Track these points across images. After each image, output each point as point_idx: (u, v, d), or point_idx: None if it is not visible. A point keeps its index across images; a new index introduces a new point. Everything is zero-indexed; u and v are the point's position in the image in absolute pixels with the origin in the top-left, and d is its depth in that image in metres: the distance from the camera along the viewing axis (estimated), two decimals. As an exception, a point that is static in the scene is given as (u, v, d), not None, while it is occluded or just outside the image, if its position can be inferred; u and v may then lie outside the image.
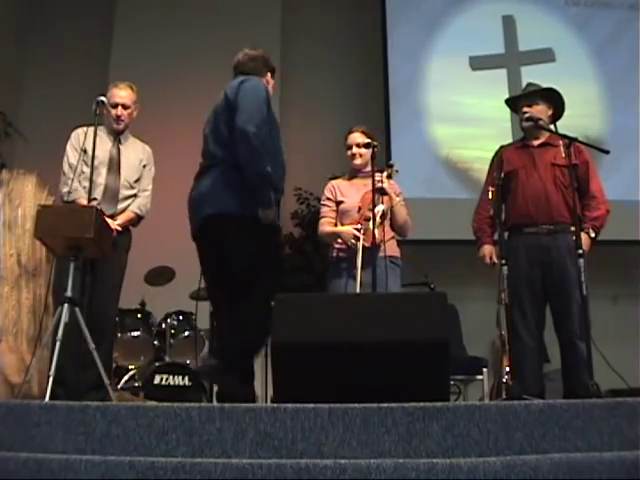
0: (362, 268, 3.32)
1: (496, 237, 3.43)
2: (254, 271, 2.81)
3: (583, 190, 3.46)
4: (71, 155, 3.51)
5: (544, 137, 3.53)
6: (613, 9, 6.23)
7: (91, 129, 3.39)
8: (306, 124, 6.04)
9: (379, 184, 3.41)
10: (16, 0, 6.21)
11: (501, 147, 3.64)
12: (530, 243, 3.42)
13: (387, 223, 3.53)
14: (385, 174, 3.54)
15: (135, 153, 3.69)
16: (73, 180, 3.31)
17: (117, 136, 3.63)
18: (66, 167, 3.50)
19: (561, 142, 3.39)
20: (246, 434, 1.93)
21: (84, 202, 3.30)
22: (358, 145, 3.61)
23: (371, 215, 3.33)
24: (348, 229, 3.45)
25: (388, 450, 1.90)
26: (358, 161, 3.62)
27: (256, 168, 2.78)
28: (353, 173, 3.69)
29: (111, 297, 3.50)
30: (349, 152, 3.65)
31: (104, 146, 3.55)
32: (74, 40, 6.09)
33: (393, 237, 3.59)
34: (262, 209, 2.82)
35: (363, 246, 3.35)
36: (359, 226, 3.43)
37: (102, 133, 3.55)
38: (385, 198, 3.47)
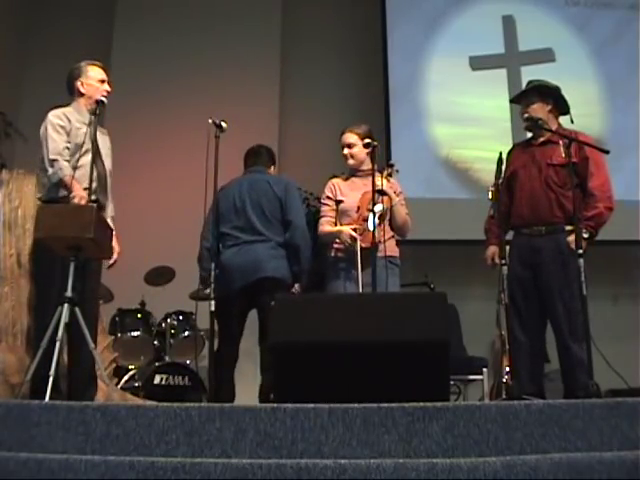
0: (361, 269, 3.32)
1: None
2: None
3: (584, 188, 3.44)
4: (58, 139, 3.20)
5: (547, 135, 3.52)
6: (613, 9, 6.22)
7: (67, 111, 3.31)
8: (306, 124, 6.04)
9: (378, 185, 3.40)
10: (16, 0, 6.21)
11: (514, 146, 3.64)
12: (523, 244, 3.43)
13: (386, 223, 3.52)
14: (385, 174, 3.54)
15: (103, 140, 3.47)
16: (75, 169, 3.14)
17: (94, 118, 3.29)
18: (57, 152, 3.17)
19: (561, 141, 3.39)
20: (246, 434, 1.93)
21: (80, 191, 3.13)
22: (349, 146, 3.59)
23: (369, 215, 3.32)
24: (345, 229, 3.45)
25: (388, 450, 1.90)
26: (350, 162, 3.62)
27: (309, 253, 3.58)
28: (352, 172, 3.68)
29: (97, 292, 3.44)
30: (343, 152, 3.63)
31: (84, 131, 3.27)
32: (74, 40, 6.07)
33: (392, 237, 3.59)
34: (301, 282, 3.59)
35: (361, 247, 3.35)
36: (355, 226, 3.42)
37: (78, 116, 3.33)
38: (385, 198, 3.46)
